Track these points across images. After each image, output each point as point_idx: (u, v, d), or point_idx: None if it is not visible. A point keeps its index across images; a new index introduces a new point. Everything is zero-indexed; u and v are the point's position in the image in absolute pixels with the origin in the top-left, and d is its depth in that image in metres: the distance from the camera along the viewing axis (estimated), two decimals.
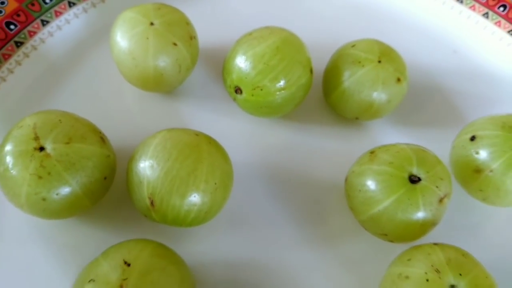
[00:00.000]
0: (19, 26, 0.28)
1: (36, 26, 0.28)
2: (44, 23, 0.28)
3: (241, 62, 0.25)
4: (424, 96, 0.30)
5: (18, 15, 0.28)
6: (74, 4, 0.29)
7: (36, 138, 0.21)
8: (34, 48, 0.28)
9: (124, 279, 0.18)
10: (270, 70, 0.24)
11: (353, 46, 0.27)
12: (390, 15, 0.33)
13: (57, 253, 0.23)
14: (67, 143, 0.21)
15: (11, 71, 0.27)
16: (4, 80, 0.27)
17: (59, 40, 0.29)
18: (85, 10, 0.30)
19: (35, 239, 0.23)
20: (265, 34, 0.25)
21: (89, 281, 0.18)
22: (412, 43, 0.32)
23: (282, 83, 0.25)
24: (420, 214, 0.22)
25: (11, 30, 0.27)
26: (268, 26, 0.26)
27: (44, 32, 0.28)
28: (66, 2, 0.29)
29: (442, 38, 0.32)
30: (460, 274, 0.20)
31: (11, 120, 0.25)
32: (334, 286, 0.23)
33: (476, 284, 0.20)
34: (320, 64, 0.28)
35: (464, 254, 0.21)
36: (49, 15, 0.29)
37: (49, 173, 0.21)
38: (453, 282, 0.20)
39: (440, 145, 0.26)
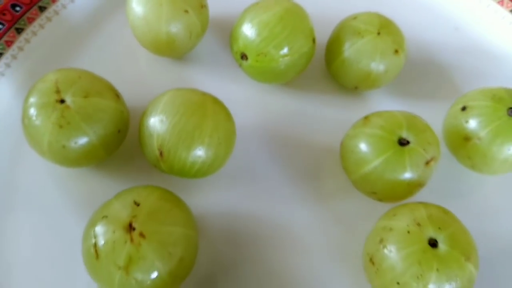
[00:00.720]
0: None
1: None
2: None
3: (247, 29, 0.26)
4: (423, 69, 0.31)
5: None
6: None
7: (58, 91, 0.23)
8: (56, 13, 0.30)
9: (134, 216, 0.20)
10: (274, 37, 0.26)
11: (354, 18, 0.28)
12: None
13: (74, 199, 0.25)
14: (85, 97, 0.23)
15: (34, 34, 0.29)
16: (28, 41, 0.29)
17: (79, 5, 0.31)
18: None
19: (54, 187, 0.26)
20: (270, 4, 0.27)
21: (102, 217, 0.21)
22: (415, 19, 0.33)
23: (285, 50, 0.26)
24: (407, 175, 0.23)
25: None
26: None
27: None
28: None
29: (445, 15, 0.34)
30: (440, 228, 0.22)
31: (34, 78, 0.27)
32: (327, 239, 0.25)
33: (454, 238, 0.22)
34: (324, 35, 0.29)
35: (446, 212, 0.23)
36: None
37: (68, 123, 0.23)
38: (432, 235, 0.21)
39: (435, 115, 0.28)
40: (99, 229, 0.20)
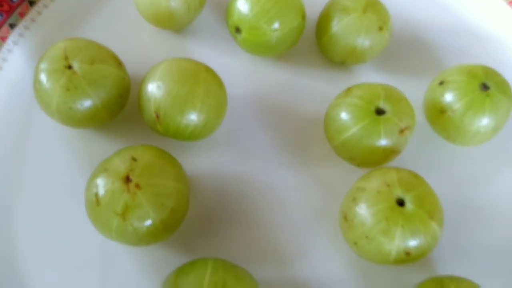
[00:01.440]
0: None
1: None
2: None
3: (241, 4, 0.28)
4: (409, 46, 0.33)
5: None
6: None
7: (66, 58, 0.26)
8: None
9: (131, 170, 0.23)
10: (265, 13, 0.28)
11: None
12: None
13: (79, 156, 0.28)
14: (91, 64, 0.26)
15: (46, 6, 0.32)
16: (40, 13, 0.31)
17: None
18: None
19: (61, 146, 0.28)
20: None
21: (103, 170, 0.23)
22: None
23: (276, 25, 0.28)
24: (382, 142, 0.26)
25: None
26: None
27: None
28: None
29: None
30: (407, 190, 0.24)
31: (45, 47, 0.29)
32: (308, 200, 0.28)
33: (420, 199, 0.24)
34: (316, 11, 0.31)
35: (415, 176, 0.25)
36: None
37: (75, 87, 0.25)
38: (400, 195, 0.24)
39: (417, 89, 0.30)
40: (100, 180, 0.23)
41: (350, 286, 0.26)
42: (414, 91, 0.30)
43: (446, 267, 0.26)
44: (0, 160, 0.28)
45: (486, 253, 0.27)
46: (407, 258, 0.24)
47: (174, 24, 0.31)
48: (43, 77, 0.26)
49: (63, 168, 0.28)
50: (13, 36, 0.30)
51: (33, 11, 0.31)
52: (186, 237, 0.26)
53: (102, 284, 0.25)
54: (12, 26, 0.30)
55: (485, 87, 0.27)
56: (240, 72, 0.31)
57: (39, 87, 0.26)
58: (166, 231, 0.24)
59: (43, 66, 0.26)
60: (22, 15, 0.31)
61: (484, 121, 0.27)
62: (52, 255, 0.26)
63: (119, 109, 0.28)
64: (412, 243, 0.23)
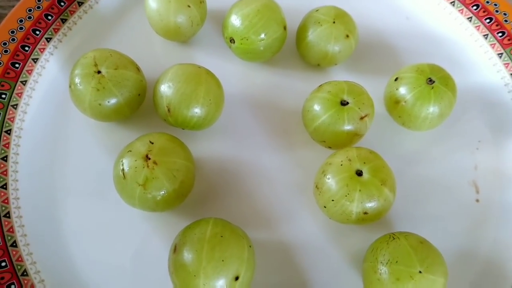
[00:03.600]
0: None
1: None
2: None
3: (234, 20, 0.35)
4: (372, 50, 0.40)
5: None
6: None
7: (95, 65, 0.32)
8: (91, 7, 0.39)
9: (149, 150, 0.29)
10: (253, 26, 0.35)
11: (316, 10, 0.37)
12: None
13: (105, 144, 0.35)
14: (115, 69, 0.32)
15: (75, 23, 0.39)
16: (70, 29, 0.38)
17: (108, 1, 0.40)
18: None
19: (92, 136, 0.35)
20: (251, 0, 0.35)
21: (128, 151, 0.30)
22: (371, 10, 0.41)
23: (262, 35, 0.35)
24: (346, 127, 0.32)
25: None
26: None
27: None
28: None
29: (397, 7, 0.42)
30: (365, 163, 0.30)
31: (74, 56, 0.36)
32: (290, 177, 0.34)
33: (375, 170, 0.30)
34: (295, 23, 0.38)
35: (372, 152, 0.31)
36: None
37: (104, 87, 0.32)
38: (358, 167, 0.30)
39: (379, 85, 0.37)
40: (125, 159, 0.30)
41: (323, 242, 0.32)
42: (377, 86, 0.36)
43: (400, 228, 0.33)
44: (42, 149, 0.34)
45: (431, 216, 0.34)
46: (366, 217, 0.30)
47: (180, 37, 0.37)
48: (77, 80, 0.32)
49: (94, 153, 0.34)
50: (49, 48, 0.37)
51: (64, 27, 0.38)
52: (192, 205, 0.33)
53: (127, 243, 0.32)
54: (48, 39, 0.37)
55: (430, 81, 0.33)
56: (234, 74, 0.38)
57: (74, 88, 0.33)
58: (177, 199, 0.31)
59: (77, 71, 0.33)
60: (56, 30, 0.38)
61: (431, 109, 0.33)
62: (89, 220, 0.32)
63: (138, 106, 0.34)
64: (369, 204, 0.30)
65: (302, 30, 0.37)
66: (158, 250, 0.31)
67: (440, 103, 0.33)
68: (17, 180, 0.33)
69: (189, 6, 0.36)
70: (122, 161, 0.30)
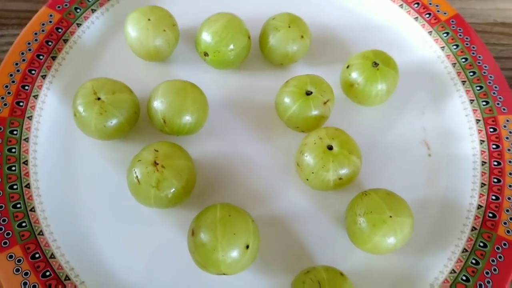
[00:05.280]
0: (63, 29, 0.44)
1: (73, 28, 0.44)
2: (78, 25, 0.44)
3: (205, 36, 0.41)
4: (325, 45, 0.46)
5: (62, 22, 0.44)
6: (94, 10, 0.45)
7: (95, 93, 0.38)
8: (75, 42, 0.44)
9: (156, 157, 0.35)
10: (222, 40, 0.41)
11: (273, 18, 0.43)
12: None
13: (113, 158, 0.40)
14: (113, 94, 0.38)
15: (63, 58, 0.43)
16: (61, 64, 0.43)
17: (90, 35, 0.45)
18: (102, 13, 0.46)
19: (98, 154, 0.40)
20: (217, 18, 0.41)
21: (138, 161, 0.35)
22: (318, 12, 0.48)
23: (231, 46, 0.41)
24: (313, 112, 0.39)
25: (59, 32, 0.44)
26: (219, 12, 0.42)
27: (79, 31, 0.44)
28: (90, 10, 0.45)
29: (340, 4, 0.49)
30: (333, 139, 0.37)
31: (68, 87, 0.42)
32: (274, 160, 0.40)
33: (342, 143, 0.37)
34: (256, 31, 0.44)
35: (338, 129, 0.38)
36: (80, 20, 0.45)
37: (105, 111, 0.37)
38: (329, 143, 0.37)
39: (335, 74, 0.43)
40: (137, 168, 0.35)
41: (310, 210, 0.39)
42: (333, 75, 0.43)
43: (370, 186, 0.40)
44: (58, 172, 0.39)
45: (393, 173, 0.41)
46: (341, 182, 0.37)
47: (160, 57, 0.43)
48: (81, 109, 0.38)
49: (105, 169, 0.40)
50: (46, 84, 0.42)
51: (56, 63, 0.43)
52: (197, 197, 0.39)
53: (151, 236, 0.37)
54: (43, 77, 0.42)
55: (375, 64, 0.40)
56: (212, 82, 0.44)
57: (79, 116, 0.38)
58: (185, 194, 0.36)
59: (79, 101, 0.38)
60: (48, 68, 0.42)
61: (379, 87, 0.40)
62: (112, 225, 0.38)
63: (135, 122, 0.40)
64: (342, 171, 0.36)
65: (263, 37, 0.43)
66: (177, 238, 0.37)
67: (386, 81, 0.40)
68: (42, 203, 0.38)
69: (164, 30, 0.41)
70: (134, 170, 0.35)
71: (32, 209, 0.37)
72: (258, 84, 0.44)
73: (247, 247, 0.33)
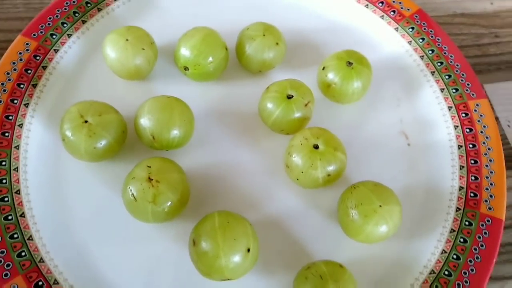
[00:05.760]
0: (41, 56, 0.44)
1: (51, 54, 0.45)
2: (56, 51, 0.45)
3: (184, 51, 0.42)
4: (301, 50, 0.48)
5: (39, 49, 0.44)
6: (70, 34, 0.46)
7: (81, 116, 0.38)
8: (54, 68, 0.44)
9: (150, 173, 0.36)
10: (201, 53, 0.42)
11: (247, 28, 0.45)
12: (273, 2, 0.51)
13: (105, 178, 0.40)
14: (99, 115, 0.38)
15: (44, 85, 0.44)
16: (42, 91, 0.43)
17: (68, 59, 0.45)
18: (78, 37, 0.46)
19: (91, 178, 0.41)
20: (194, 32, 0.43)
21: (132, 178, 0.36)
22: (289, 18, 0.50)
23: (210, 59, 0.42)
24: (296, 114, 0.40)
25: (37, 59, 0.44)
26: (196, 26, 0.43)
27: (57, 57, 0.45)
28: (65, 35, 0.46)
29: (310, 10, 0.51)
30: (318, 138, 0.39)
31: (52, 113, 0.42)
32: (263, 164, 0.42)
33: (327, 141, 0.38)
34: (233, 42, 0.46)
35: (321, 129, 0.40)
36: (57, 45, 0.45)
37: (94, 133, 0.38)
38: (314, 142, 0.38)
39: (312, 76, 0.45)
40: (132, 185, 0.36)
41: (303, 208, 0.40)
42: (310, 77, 0.45)
43: (357, 179, 0.41)
44: (52, 199, 0.39)
45: (377, 165, 0.43)
46: (330, 178, 0.38)
47: (140, 76, 0.44)
48: (68, 134, 0.38)
49: (98, 190, 0.40)
50: (29, 112, 0.42)
51: (37, 91, 0.43)
52: (192, 208, 0.40)
53: (151, 252, 0.38)
54: (26, 105, 0.42)
55: (349, 63, 0.42)
56: (195, 95, 0.45)
57: (68, 141, 0.38)
58: (181, 206, 0.37)
59: (66, 126, 0.38)
60: (30, 96, 0.43)
61: (355, 85, 0.42)
62: (111, 244, 0.38)
63: (124, 141, 0.40)
64: (330, 168, 0.38)
65: (240, 47, 0.45)
66: (177, 250, 0.38)
67: (361, 78, 0.42)
68: (38, 230, 0.38)
69: (143, 49, 0.42)
70: (129, 187, 0.36)
71: (30, 238, 0.37)
72: (239, 92, 0.46)
73: (248, 250, 0.34)
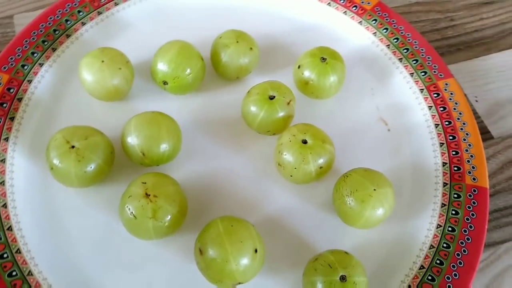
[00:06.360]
0: (15, 88, 0.43)
1: (25, 85, 0.44)
2: (29, 81, 0.44)
3: (161, 66, 0.42)
4: (275, 51, 0.49)
5: (12, 82, 0.43)
6: (42, 63, 0.45)
7: (67, 142, 0.37)
8: (29, 99, 0.44)
9: (146, 189, 0.36)
10: (178, 66, 0.42)
11: (220, 37, 0.45)
12: (240, 10, 0.52)
13: (99, 201, 0.40)
14: (85, 139, 0.38)
15: (22, 117, 0.43)
16: (20, 124, 0.42)
17: (43, 89, 0.44)
18: (50, 65, 0.46)
19: (82, 203, 0.40)
20: (169, 46, 0.43)
21: (128, 197, 0.36)
22: (258, 23, 0.51)
23: (188, 71, 0.43)
24: (280, 114, 0.41)
25: (11, 92, 0.43)
26: (170, 40, 0.44)
27: (31, 87, 0.44)
28: (37, 64, 0.45)
29: (278, 14, 0.52)
30: (305, 133, 0.40)
31: (33, 143, 0.41)
32: (254, 166, 0.42)
33: (314, 135, 0.39)
34: (207, 52, 0.46)
35: (306, 124, 0.40)
36: (30, 76, 0.44)
37: (83, 157, 0.37)
38: (302, 137, 0.39)
39: (288, 76, 0.46)
40: (129, 204, 0.35)
41: (299, 203, 0.41)
42: (287, 77, 0.46)
43: (347, 168, 0.42)
44: (46, 231, 0.38)
45: (362, 152, 0.44)
46: (322, 170, 0.39)
47: (120, 96, 0.44)
48: (56, 161, 0.37)
49: (90, 215, 0.39)
50: (10, 145, 0.41)
51: (15, 124, 0.42)
52: (191, 219, 0.40)
53: (156, 269, 0.37)
54: (6, 139, 0.41)
55: (323, 59, 0.44)
56: (177, 109, 0.45)
57: (56, 168, 0.37)
58: (181, 218, 0.37)
59: (53, 154, 0.37)
60: (9, 129, 0.42)
61: (331, 79, 0.44)
62: (112, 268, 0.38)
63: (112, 162, 0.40)
64: (320, 160, 0.39)
65: (215, 56, 0.45)
66: (182, 264, 0.38)
67: (336, 72, 0.44)
68: (37, 265, 0.37)
69: (120, 68, 0.42)
70: (127, 206, 0.35)
71: (30, 273, 0.36)
72: (220, 100, 0.46)
73: (256, 251, 0.34)
